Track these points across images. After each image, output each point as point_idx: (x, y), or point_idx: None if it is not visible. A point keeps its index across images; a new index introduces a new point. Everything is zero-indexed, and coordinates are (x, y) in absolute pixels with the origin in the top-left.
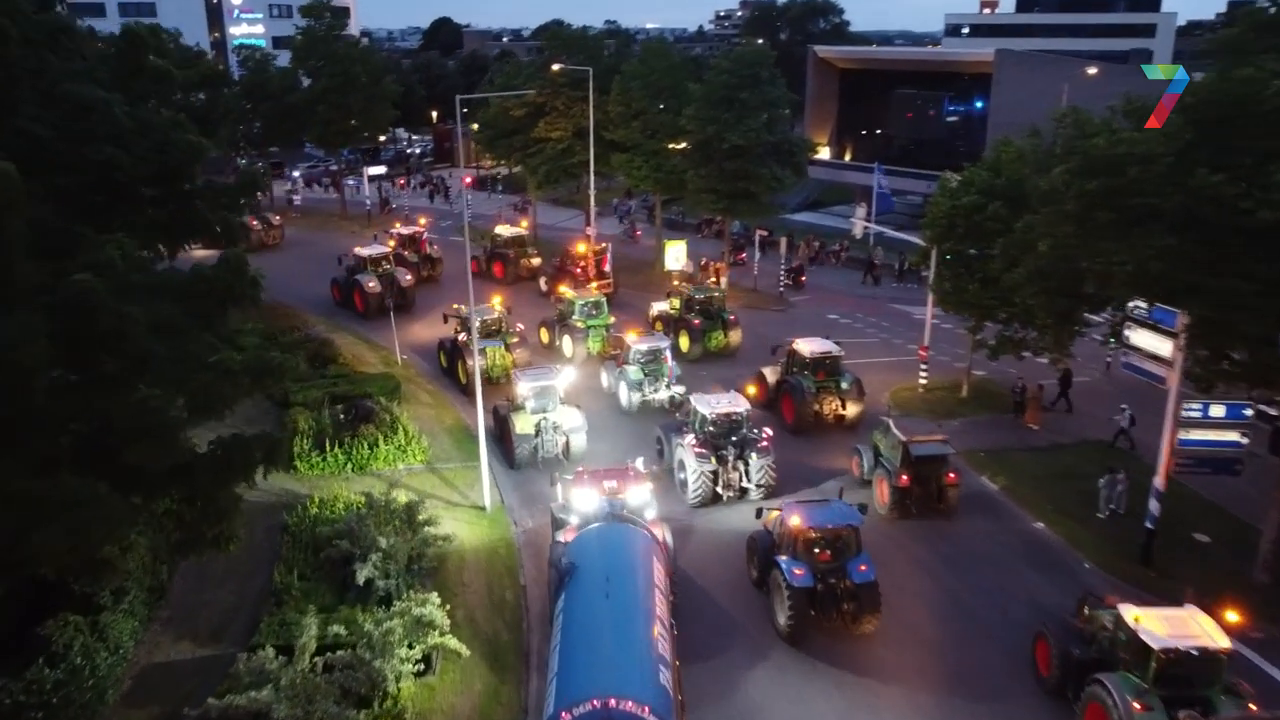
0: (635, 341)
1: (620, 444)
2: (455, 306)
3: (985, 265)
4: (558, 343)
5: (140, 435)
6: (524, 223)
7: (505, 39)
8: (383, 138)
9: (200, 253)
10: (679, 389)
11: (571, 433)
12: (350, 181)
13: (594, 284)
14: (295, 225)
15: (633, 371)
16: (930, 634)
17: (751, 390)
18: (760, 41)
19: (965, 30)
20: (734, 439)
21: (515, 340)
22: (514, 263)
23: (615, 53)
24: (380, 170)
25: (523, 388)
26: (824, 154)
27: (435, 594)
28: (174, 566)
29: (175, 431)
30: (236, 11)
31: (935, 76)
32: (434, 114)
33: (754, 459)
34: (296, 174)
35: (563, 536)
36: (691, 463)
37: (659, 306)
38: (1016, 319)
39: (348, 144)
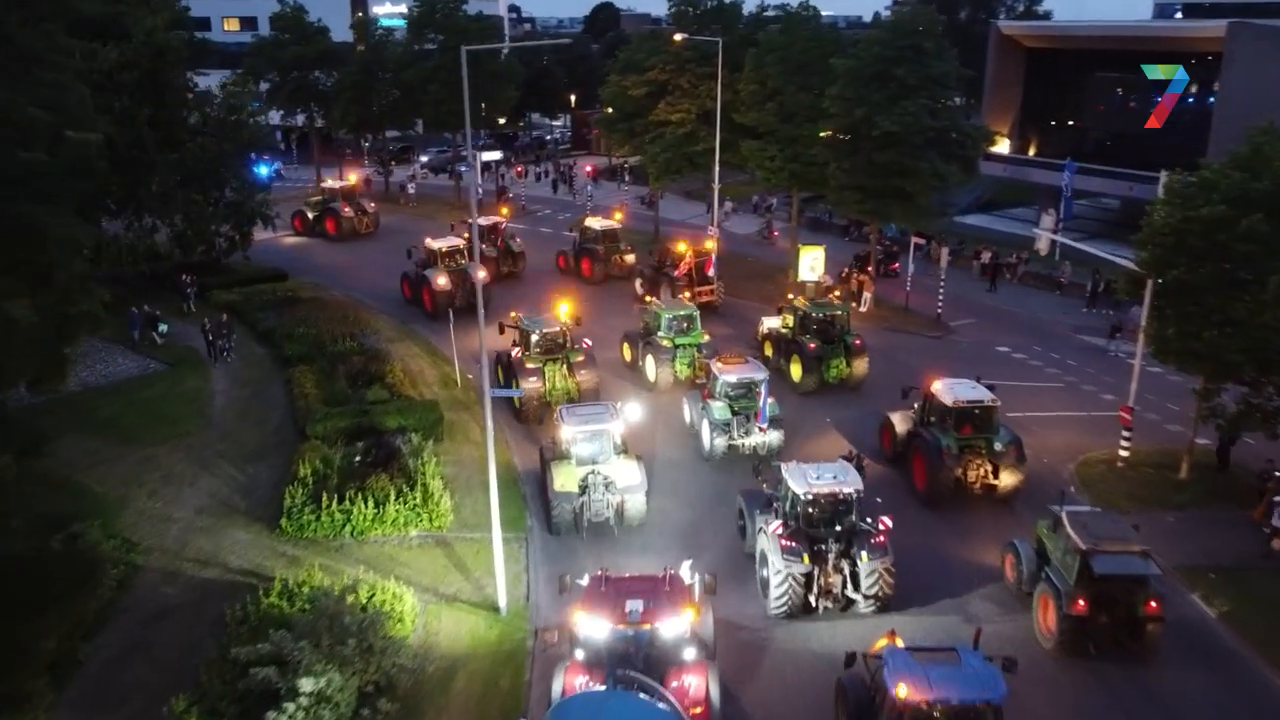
0: (723, 369)
1: (694, 506)
2: (514, 315)
3: (1231, 303)
4: (641, 362)
5: None
6: (618, 214)
7: (665, 23)
8: (502, 120)
9: (294, 240)
10: (774, 436)
11: (627, 493)
12: (463, 168)
13: (687, 292)
14: (405, 213)
15: (718, 409)
16: None
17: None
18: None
19: (1178, 13)
20: (838, 528)
21: (580, 358)
22: (604, 259)
23: (753, 22)
24: (495, 156)
25: (567, 430)
26: (1003, 147)
27: None
28: (68, 674)
29: None
30: None
31: (1144, 58)
32: (572, 97)
33: (864, 559)
34: (424, 159)
35: (564, 677)
36: (777, 560)
37: (770, 323)
38: (1275, 383)
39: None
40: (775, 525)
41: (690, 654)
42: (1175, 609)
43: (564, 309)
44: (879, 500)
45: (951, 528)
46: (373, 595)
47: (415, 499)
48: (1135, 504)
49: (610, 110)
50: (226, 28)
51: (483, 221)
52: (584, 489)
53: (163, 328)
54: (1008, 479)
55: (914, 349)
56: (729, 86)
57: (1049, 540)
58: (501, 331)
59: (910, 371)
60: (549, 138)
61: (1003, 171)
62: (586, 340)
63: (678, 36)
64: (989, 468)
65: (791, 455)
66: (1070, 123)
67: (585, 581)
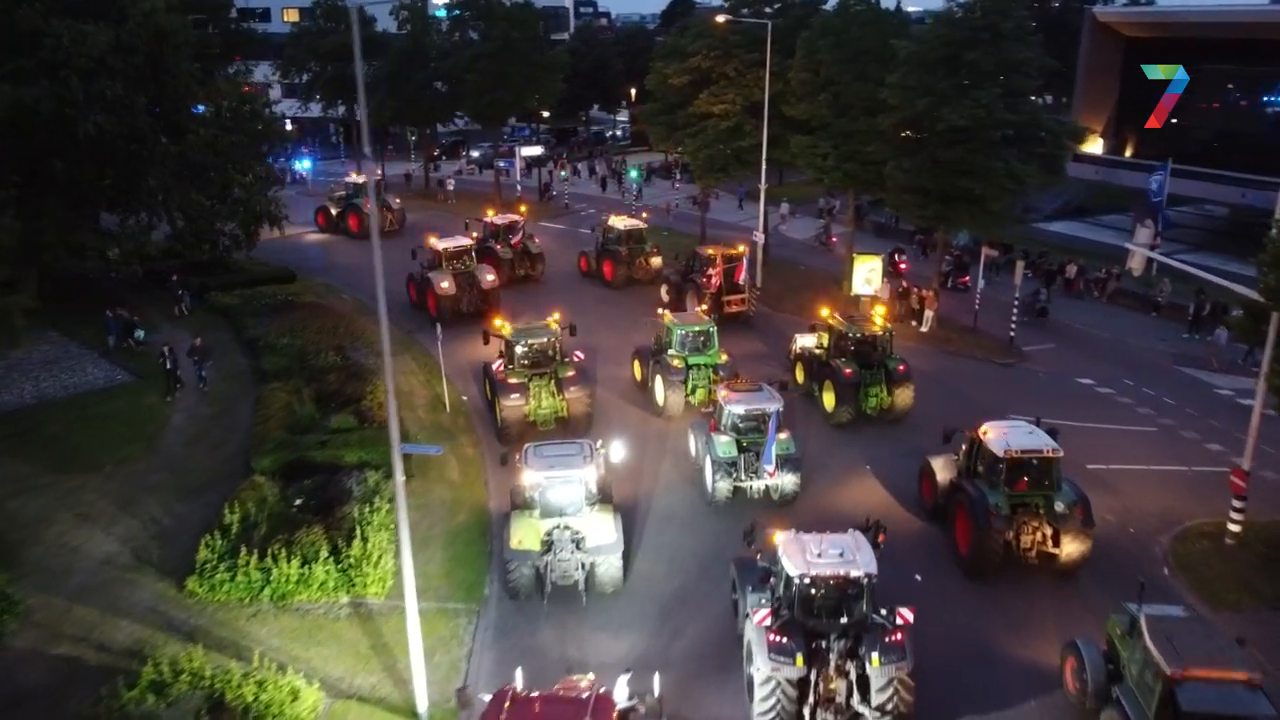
0: (728, 398)
1: (685, 568)
2: (497, 323)
3: None
4: (650, 383)
5: None
6: (645, 214)
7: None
8: (546, 113)
9: (316, 237)
10: (789, 479)
11: (599, 554)
12: (502, 164)
13: (703, 304)
14: (441, 209)
15: (722, 445)
16: None
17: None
18: None
19: None
20: (844, 620)
21: (570, 373)
22: (627, 262)
23: (809, 5)
24: (535, 151)
25: (531, 475)
26: (1095, 146)
27: None
28: None
29: None
30: None
31: (1259, 48)
32: (633, 91)
33: (875, 663)
34: (474, 154)
35: None
36: (763, 663)
37: (803, 341)
38: None
39: (506, 119)
40: (764, 613)
41: None
42: None
43: (555, 319)
44: (918, 578)
45: (998, 609)
46: (261, 692)
47: (351, 558)
48: (1247, 596)
49: (662, 101)
50: (286, 18)
51: (498, 220)
52: (548, 546)
53: (139, 334)
54: (1070, 547)
55: (978, 378)
56: (778, 76)
57: (1123, 647)
58: (486, 341)
59: (970, 406)
60: (608, 133)
61: (1094, 174)
62: (578, 352)
63: (720, 18)
64: (1047, 532)
65: (811, 502)
66: (1173, 120)
67: (487, 697)
